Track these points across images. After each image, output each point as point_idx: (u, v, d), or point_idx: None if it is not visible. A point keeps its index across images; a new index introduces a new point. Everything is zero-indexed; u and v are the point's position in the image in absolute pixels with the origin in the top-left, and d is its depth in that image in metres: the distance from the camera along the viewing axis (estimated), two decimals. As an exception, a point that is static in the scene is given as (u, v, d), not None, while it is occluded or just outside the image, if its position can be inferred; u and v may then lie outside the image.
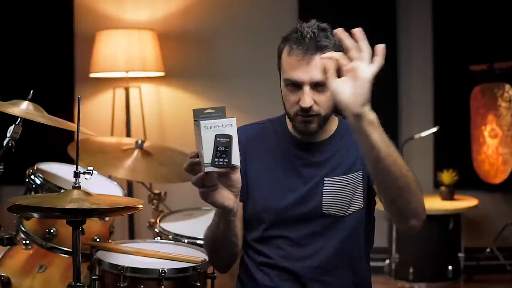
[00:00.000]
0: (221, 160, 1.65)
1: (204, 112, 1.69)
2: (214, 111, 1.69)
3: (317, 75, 1.87)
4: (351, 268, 2.01)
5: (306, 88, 1.88)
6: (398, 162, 1.70)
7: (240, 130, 2.07)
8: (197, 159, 1.68)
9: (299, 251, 1.98)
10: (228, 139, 1.64)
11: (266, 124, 2.10)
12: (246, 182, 2.02)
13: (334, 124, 2.05)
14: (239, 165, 1.69)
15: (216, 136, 1.64)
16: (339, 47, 1.91)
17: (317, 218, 1.97)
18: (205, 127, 1.63)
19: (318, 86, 1.88)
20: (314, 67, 1.87)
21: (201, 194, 1.75)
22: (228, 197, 1.77)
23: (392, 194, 1.77)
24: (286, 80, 1.92)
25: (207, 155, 1.64)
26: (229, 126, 1.65)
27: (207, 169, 1.65)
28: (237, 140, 1.66)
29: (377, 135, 1.65)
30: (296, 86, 1.90)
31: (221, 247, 1.97)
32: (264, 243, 2.02)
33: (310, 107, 1.89)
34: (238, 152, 1.68)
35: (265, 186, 2.00)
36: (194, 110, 1.69)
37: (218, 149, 1.64)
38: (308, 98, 1.88)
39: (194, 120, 1.68)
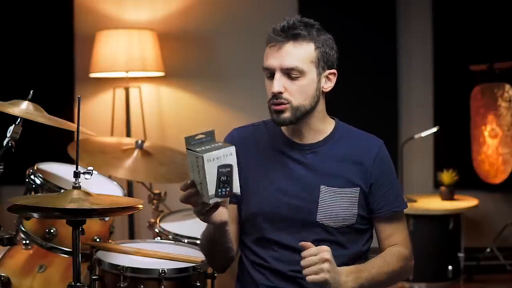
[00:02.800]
0: (223, 190, 1.66)
1: (196, 138, 1.69)
2: (204, 136, 1.69)
3: (287, 62, 1.88)
4: None
5: (277, 74, 1.89)
6: (381, 282, 1.95)
7: (235, 131, 2.09)
8: (193, 190, 1.68)
9: (294, 256, 1.95)
10: (229, 169, 1.65)
11: (261, 125, 2.09)
12: (241, 185, 2.01)
13: (328, 126, 2.02)
14: (239, 192, 1.70)
15: (219, 167, 1.64)
16: (321, 42, 1.92)
17: (311, 227, 1.95)
18: (207, 160, 1.62)
19: (291, 74, 1.89)
20: (285, 54, 1.89)
21: (204, 219, 1.79)
22: (223, 212, 1.79)
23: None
24: (263, 69, 1.95)
25: (211, 187, 1.64)
26: (229, 155, 1.65)
27: (211, 201, 1.66)
28: (237, 167, 1.67)
29: None
30: (271, 74, 1.92)
31: (217, 253, 1.98)
32: (259, 246, 2.01)
33: (280, 93, 1.89)
34: (238, 179, 1.69)
35: (259, 189, 1.98)
36: (186, 138, 1.69)
37: (221, 179, 1.64)
38: (277, 83, 1.89)
39: (191, 150, 1.66)
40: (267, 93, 1.95)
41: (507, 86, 4.39)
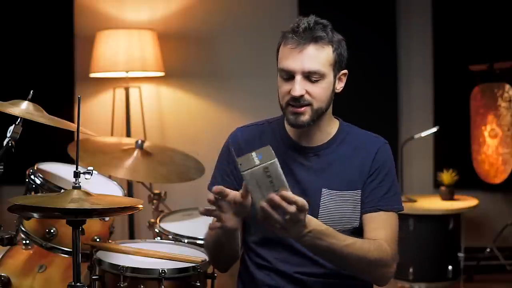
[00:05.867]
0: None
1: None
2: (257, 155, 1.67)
3: (309, 65, 1.86)
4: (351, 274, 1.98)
5: (298, 77, 1.87)
6: (346, 262, 1.83)
7: (239, 131, 2.07)
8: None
9: (297, 258, 1.96)
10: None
11: (265, 125, 2.08)
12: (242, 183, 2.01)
13: (333, 127, 2.02)
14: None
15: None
16: (337, 43, 1.92)
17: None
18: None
19: (312, 76, 1.88)
20: (307, 57, 1.87)
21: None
22: (236, 219, 1.80)
23: (350, 272, 1.92)
24: (280, 70, 1.92)
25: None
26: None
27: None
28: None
29: (318, 251, 1.80)
30: (289, 76, 1.89)
31: (223, 255, 1.98)
32: (262, 246, 2.00)
33: (301, 96, 1.87)
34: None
35: None
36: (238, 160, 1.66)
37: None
38: (299, 87, 1.86)
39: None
40: (280, 94, 1.93)
41: (507, 86, 4.39)
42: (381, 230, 1.92)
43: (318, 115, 1.92)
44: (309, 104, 1.89)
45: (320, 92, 1.89)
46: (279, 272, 1.98)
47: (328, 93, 1.92)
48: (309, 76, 1.88)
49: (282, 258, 1.98)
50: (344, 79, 1.98)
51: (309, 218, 1.71)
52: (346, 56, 1.96)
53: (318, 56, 1.87)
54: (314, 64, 1.87)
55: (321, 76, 1.88)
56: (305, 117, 1.90)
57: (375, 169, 1.97)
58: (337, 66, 1.93)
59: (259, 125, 2.09)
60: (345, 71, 1.98)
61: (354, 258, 1.81)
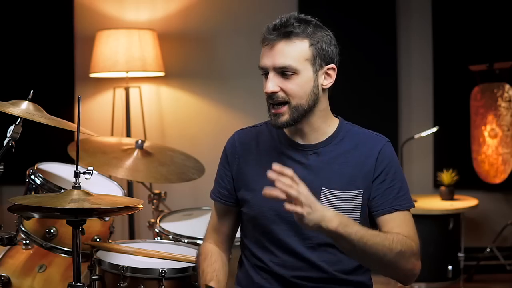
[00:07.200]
0: None
1: None
2: None
3: (279, 60, 1.85)
4: (351, 279, 1.97)
5: (270, 74, 1.87)
6: (373, 252, 1.77)
7: (236, 134, 2.08)
8: None
9: (293, 261, 1.95)
10: None
11: (262, 126, 2.08)
12: (240, 186, 2.01)
13: (332, 125, 1.99)
14: None
15: None
16: (316, 38, 1.89)
17: (312, 229, 1.91)
18: None
19: (285, 73, 1.86)
20: (277, 52, 1.86)
21: None
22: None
23: (374, 270, 1.92)
24: (259, 69, 1.93)
25: None
26: None
27: None
28: None
29: (342, 242, 1.75)
30: (267, 74, 1.89)
31: None
32: (261, 248, 1.99)
33: (275, 93, 1.86)
34: None
35: (260, 191, 1.90)
36: None
37: None
38: (270, 83, 1.86)
39: None
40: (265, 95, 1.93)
41: (507, 86, 4.39)
42: (400, 229, 1.91)
43: (300, 113, 1.90)
44: (286, 103, 1.88)
45: (295, 89, 1.87)
46: (275, 275, 1.97)
47: (307, 90, 1.89)
48: (281, 72, 1.87)
49: (279, 261, 1.96)
50: (333, 74, 1.93)
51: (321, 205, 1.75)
52: (333, 51, 1.92)
53: (289, 51, 1.86)
54: (285, 59, 1.85)
55: (293, 71, 1.86)
56: (284, 117, 1.89)
57: (382, 170, 1.94)
58: (317, 61, 1.89)
59: (257, 127, 2.09)
60: (332, 65, 1.93)
61: (380, 247, 1.78)
